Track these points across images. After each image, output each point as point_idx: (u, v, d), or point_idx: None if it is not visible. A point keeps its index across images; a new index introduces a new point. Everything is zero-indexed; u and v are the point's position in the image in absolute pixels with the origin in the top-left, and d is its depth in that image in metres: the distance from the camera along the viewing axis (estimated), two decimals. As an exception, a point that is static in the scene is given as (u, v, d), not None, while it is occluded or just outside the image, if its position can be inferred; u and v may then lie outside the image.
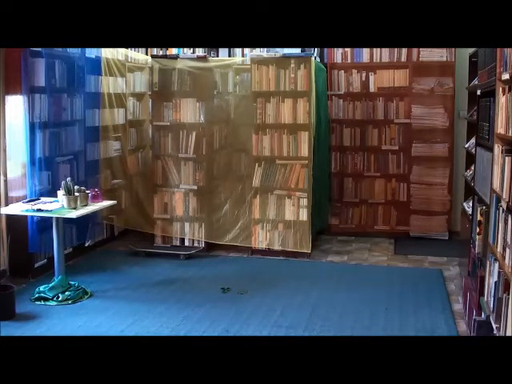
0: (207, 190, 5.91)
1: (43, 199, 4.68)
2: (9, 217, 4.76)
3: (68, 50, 5.24)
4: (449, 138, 6.39)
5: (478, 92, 4.51)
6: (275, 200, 5.72)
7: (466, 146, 5.53)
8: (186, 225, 5.92)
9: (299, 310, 4.31)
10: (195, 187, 5.86)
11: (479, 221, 3.87)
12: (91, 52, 5.55)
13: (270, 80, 5.62)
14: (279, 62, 5.60)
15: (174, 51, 6.32)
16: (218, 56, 6.57)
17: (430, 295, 4.63)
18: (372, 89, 6.48)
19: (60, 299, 4.38)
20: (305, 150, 5.59)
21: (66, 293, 4.43)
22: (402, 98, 6.43)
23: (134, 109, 6.44)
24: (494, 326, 3.13)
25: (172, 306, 4.36)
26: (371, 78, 6.47)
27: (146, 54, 6.64)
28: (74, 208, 4.43)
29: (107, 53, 5.75)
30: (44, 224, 4.86)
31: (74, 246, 5.49)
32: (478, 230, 3.92)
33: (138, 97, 6.53)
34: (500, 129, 3.38)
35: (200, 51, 6.32)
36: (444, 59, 6.29)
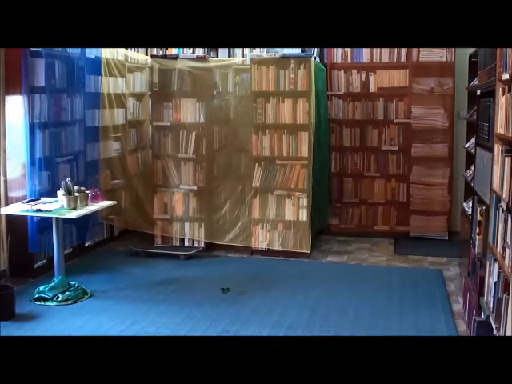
0: (207, 190, 5.91)
1: (43, 199, 4.68)
2: (9, 217, 4.76)
3: (68, 49, 5.24)
4: (449, 138, 6.39)
5: (478, 92, 4.51)
6: (275, 200, 5.72)
7: (466, 146, 5.53)
8: (186, 225, 5.92)
9: (299, 310, 4.31)
10: (195, 187, 5.86)
11: (479, 221, 3.87)
12: (91, 52, 5.55)
13: (270, 80, 5.62)
14: (279, 62, 5.60)
15: (173, 51, 6.32)
16: (217, 56, 6.57)
17: (430, 295, 4.63)
18: (372, 89, 6.48)
19: (60, 299, 4.38)
20: (305, 151, 5.59)
21: (66, 293, 4.43)
22: (402, 99, 6.43)
23: (134, 109, 6.44)
24: (494, 326, 3.14)
25: (172, 306, 4.36)
26: (371, 78, 6.47)
27: (146, 54, 6.64)
28: (74, 208, 4.43)
29: (107, 53, 5.76)
30: (44, 224, 4.86)
31: (73, 246, 5.50)
32: (477, 230, 3.92)
33: (138, 97, 6.53)
34: (500, 129, 3.38)
35: (200, 51, 6.32)
36: (444, 59, 6.29)
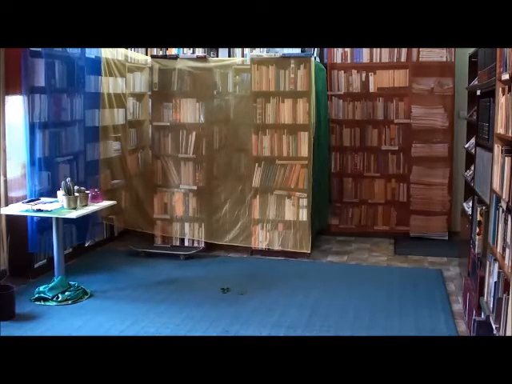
0: (207, 190, 5.91)
1: (43, 199, 4.68)
2: (9, 217, 4.76)
3: (68, 49, 5.24)
4: (449, 138, 6.39)
5: (478, 92, 4.51)
6: (275, 200, 5.72)
7: (466, 146, 5.53)
8: (186, 225, 5.92)
9: (299, 310, 4.31)
10: (195, 187, 5.86)
11: (479, 221, 3.87)
12: (91, 52, 5.55)
13: (270, 80, 5.62)
14: (279, 62, 5.60)
15: (173, 51, 6.32)
16: (217, 56, 6.57)
17: (430, 295, 4.63)
18: (372, 89, 6.48)
19: (60, 299, 4.38)
20: (305, 150, 5.59)
21: (66, 293, 4.43)
22: (402, 99, 6.43)
23: (134, 109, 6.44)
24: (494, 326, 3.14)
25: (172, 306, 4.36)
26: (371, 78, 6.47)
27: (146, 54, 6.64)
28: (74, 208, 4.43)
29: (107, 53, 5.76)
30: (44, 224, 4.86)
31: (73, 246, 5.49)
32: (477, 230, 3.92)
33: (138, 97, 6.53)
34: (500, 129, 3.38)
35: (200, 51, 6.32)
36: (444, 59, 6.29)
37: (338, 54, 6.53)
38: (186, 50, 6.41)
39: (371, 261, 5.71)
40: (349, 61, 6.52)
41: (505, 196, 3.07)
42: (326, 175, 6.45)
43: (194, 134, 5.79)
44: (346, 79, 6.53)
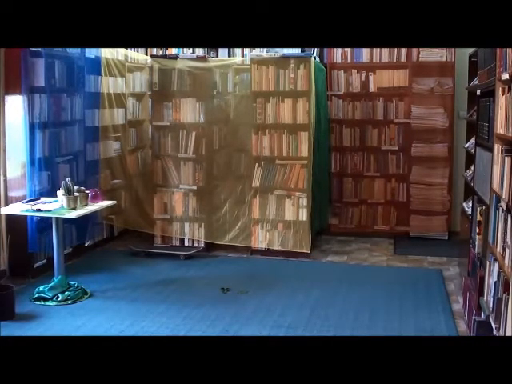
0: (207, 190, 5.91)
1: (43, 199, 4.68)
2: (9, 217, 4.76)
3: (68, 50, 5.24)
4: (448, 138, 6.39)
5: (478, 92, 4.51)
6: (275, 200, 5.72)
7: (466, 146, 5.54)
8: (186, 225, 5.92)
9: (299, 309, 4.31)
10: (195, 187, 5.86)
11: (479, 221, 3.87)
12: (91, 52, 5.56)
13: (270, 80, 5.62)
14: (279, 62, 5.60)
15: (173, 51, 6.32)
16: (217, 56, 6.57)
17: (430, 295, 4.63)
18: (372, 89, 6.48)
19: (60, 299, 4.38)
20: (304, 150, 5.59)
21: (66, 293, 4.43)
22: (402, 98, 6.43)
23: (134, 109, 6.44)
24: (494, 326, 3.14)
25: (172, 306, 4.36)
26: (371, 78, 6.47)
27: (146, 54, 6.64)
28: (74, 208, 4.43)
29: (107, 53, 5.76)
30: (44, 224, 4.86)
31: (73, 246, 5.49)
32: (477, 230, 3.92)
33: (138, 97, 6.53)
34: (500, 129, 3.38)
35: (200, 51, 6.32)
36: (444, 59, 6.29)
37: (337, 54, 6.52)
38: (185, 49, 6.42)
39: (371, 261, 5.71)
40: (349, 61, 6.52)
41: (505, 196, 3.07)
42: (325, 175, 6.44)
43: (193, 133, 5.80)
44: (345, 79, 6.53)
